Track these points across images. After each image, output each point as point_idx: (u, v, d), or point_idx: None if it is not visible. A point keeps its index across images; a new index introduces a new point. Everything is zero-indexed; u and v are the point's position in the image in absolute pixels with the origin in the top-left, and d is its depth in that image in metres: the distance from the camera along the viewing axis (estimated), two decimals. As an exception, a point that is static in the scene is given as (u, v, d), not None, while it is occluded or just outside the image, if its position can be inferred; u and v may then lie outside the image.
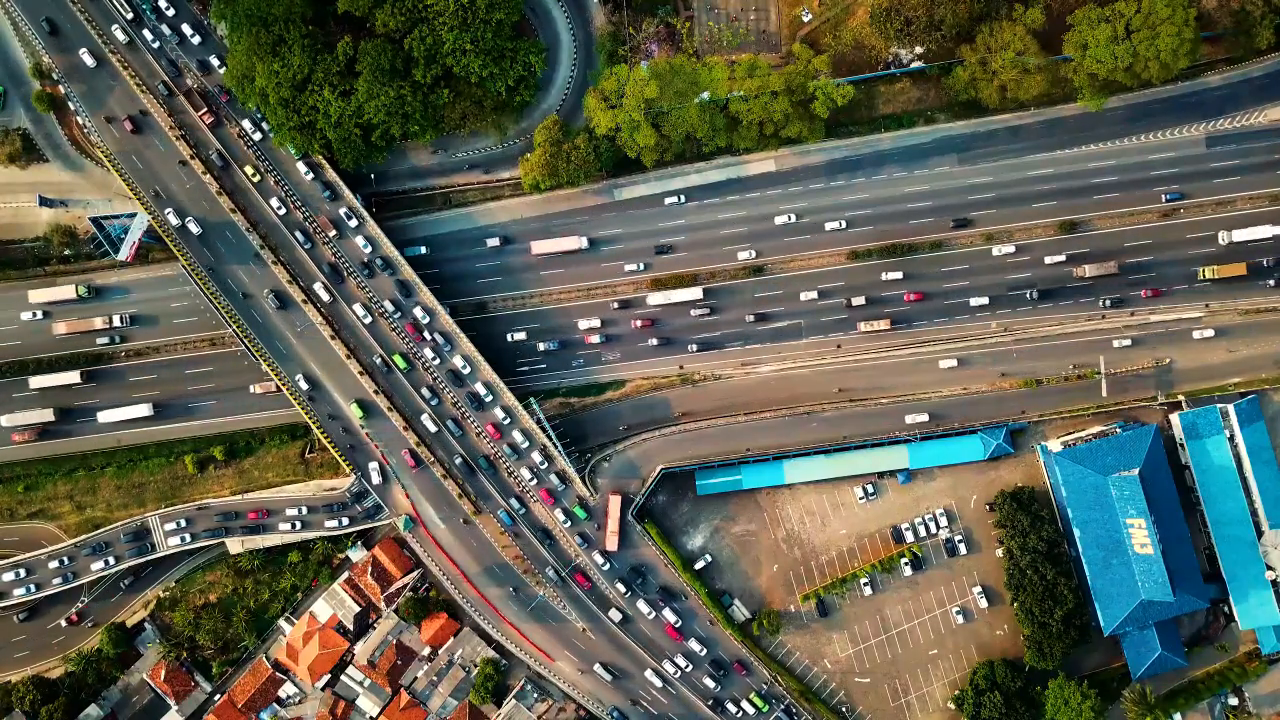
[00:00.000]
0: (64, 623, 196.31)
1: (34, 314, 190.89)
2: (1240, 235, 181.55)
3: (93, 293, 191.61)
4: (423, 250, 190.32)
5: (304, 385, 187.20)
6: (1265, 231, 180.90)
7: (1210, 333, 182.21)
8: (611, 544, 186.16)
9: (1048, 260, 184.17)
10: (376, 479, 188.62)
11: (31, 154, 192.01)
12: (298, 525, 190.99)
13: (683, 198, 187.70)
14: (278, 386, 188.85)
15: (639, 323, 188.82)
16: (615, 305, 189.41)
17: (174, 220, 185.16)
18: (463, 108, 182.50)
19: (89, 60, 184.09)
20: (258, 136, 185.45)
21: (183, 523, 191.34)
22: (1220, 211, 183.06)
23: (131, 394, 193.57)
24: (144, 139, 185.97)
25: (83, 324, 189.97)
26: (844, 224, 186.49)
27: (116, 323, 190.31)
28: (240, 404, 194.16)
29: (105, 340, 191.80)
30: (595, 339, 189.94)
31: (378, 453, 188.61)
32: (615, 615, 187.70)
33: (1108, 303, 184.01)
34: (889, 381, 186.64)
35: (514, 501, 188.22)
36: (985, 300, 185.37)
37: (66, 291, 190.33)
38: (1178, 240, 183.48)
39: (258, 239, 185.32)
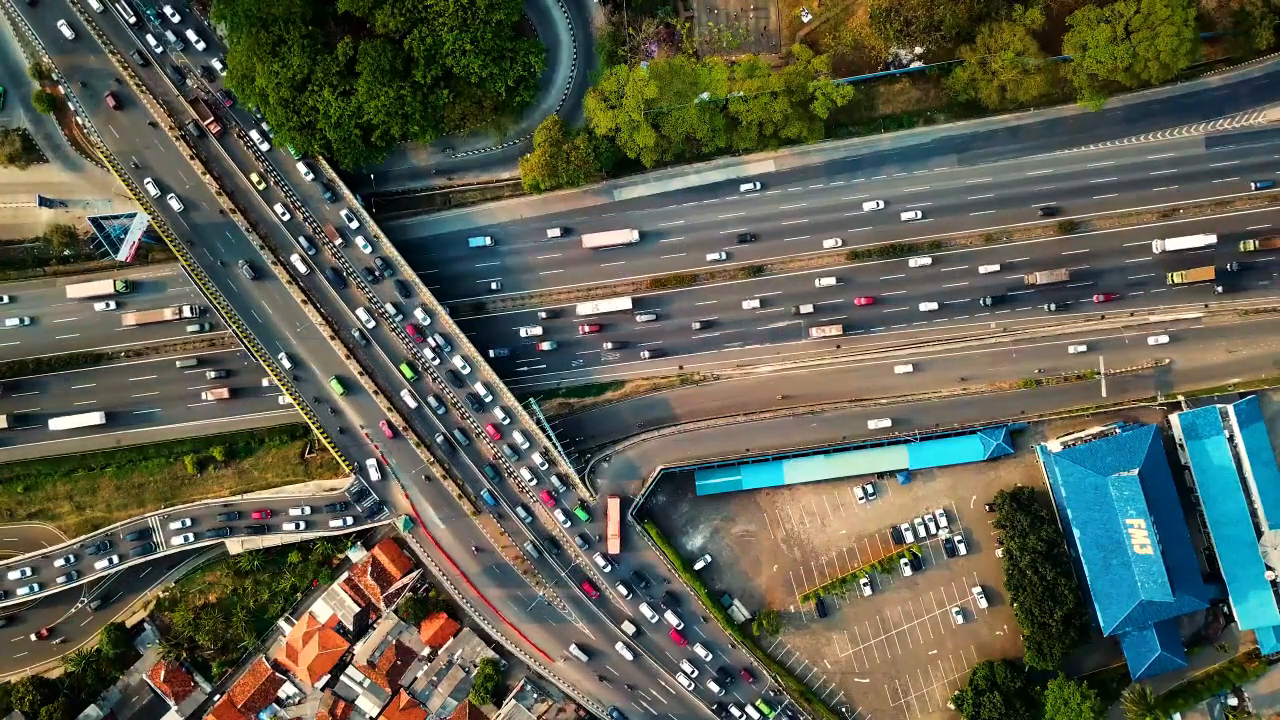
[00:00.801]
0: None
1: (107, 305, 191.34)
2: (1173, 244, 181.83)
3: (129, 287, 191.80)
4: (487, 241, 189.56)
5: (287, 364, 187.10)
6: (1198, 240, 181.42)
7: (1165, 339, 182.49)
8: (614, 547, 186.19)
9: (982, 270, 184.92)
10: (375, 475, 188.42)
11: (31, 154, 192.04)
12: (302, 525, 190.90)
13: (759, 184, 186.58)
14: (279, 385, 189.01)
15: (586, 328, 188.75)
16: (543, 314, 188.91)
17: (176, 206, 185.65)
18: (463, 108, 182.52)
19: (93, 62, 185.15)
20: (265, 147, 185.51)
21: (188, 521, 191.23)
22: (1220, 212, 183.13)
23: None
24: (135, 119, 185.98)
25: (153, 315, 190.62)
26: (919, 214, 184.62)
27: (186, 313, 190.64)
28: (240, 404, 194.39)
29: (195, 329, 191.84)
30: (546, 346, 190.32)
31: (377, 452, 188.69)
32: (629, 629, 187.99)
33: (1052, 307, 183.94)
34: (873, 384, 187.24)
35: (521, 511, 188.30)
36: (935, 306, 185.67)
37: (104, 286, 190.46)
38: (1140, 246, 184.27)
39: (257, 239, 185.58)
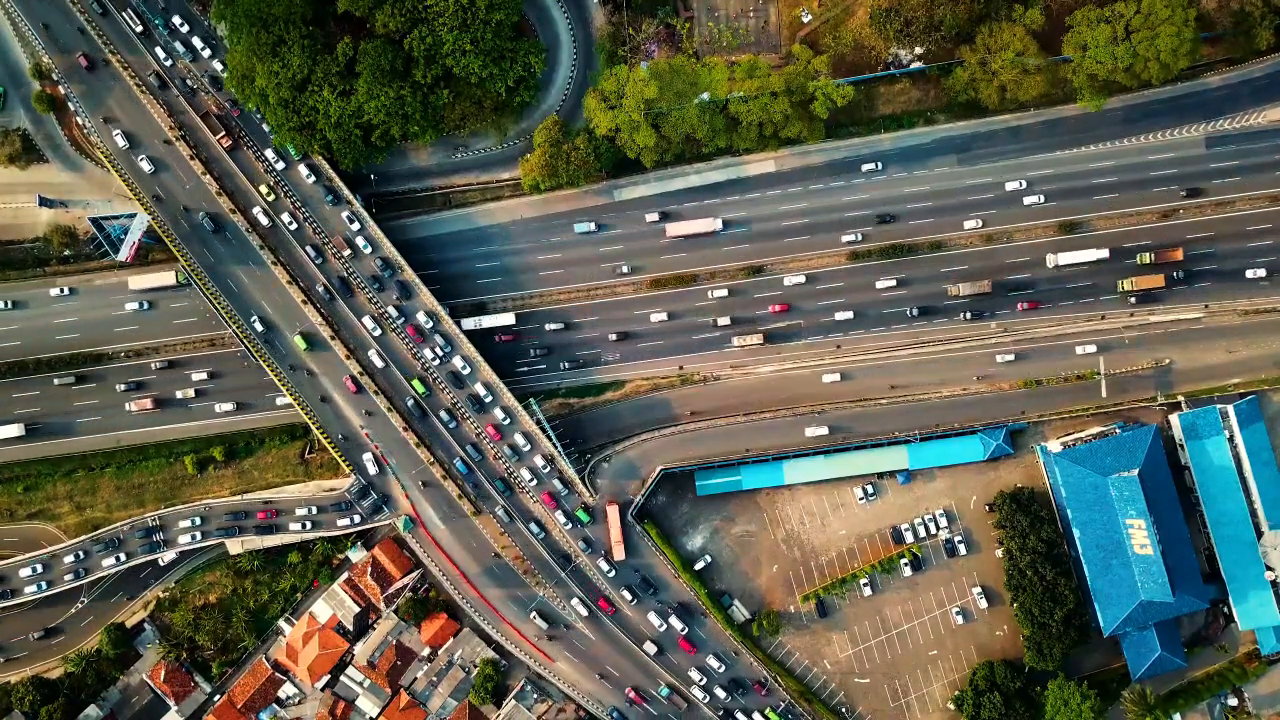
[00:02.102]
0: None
1: (140, 304, 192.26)
2: (1065, 259, 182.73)
3: (186, 282, 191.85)
4: (592, 226, 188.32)
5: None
6: (1090, 255, 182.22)
7: (1092, 348, 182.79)
8: (619, 554, 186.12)
9: (878, 285, 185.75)
10: (373, 469, 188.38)
11: (31, 154, 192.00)
12: (309, 526, 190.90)
13: (879, 164, 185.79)
14: (280, 386, 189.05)
15: (505, 337, 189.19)
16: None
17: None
18: (463, 108, 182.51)
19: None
20: (280, 165, 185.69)
21: (197, 520, 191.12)
22: (1220, 212, 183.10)
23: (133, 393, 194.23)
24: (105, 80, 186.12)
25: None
26: (1042, 196, 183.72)
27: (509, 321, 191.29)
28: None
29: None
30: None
31: (377, 451, 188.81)
32: (651, 649, 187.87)
33: (968, 315, 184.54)
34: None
35: (534, 526, 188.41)
36: (850, 315, 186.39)
37: (167, 278, 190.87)
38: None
39: (257, 239, 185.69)
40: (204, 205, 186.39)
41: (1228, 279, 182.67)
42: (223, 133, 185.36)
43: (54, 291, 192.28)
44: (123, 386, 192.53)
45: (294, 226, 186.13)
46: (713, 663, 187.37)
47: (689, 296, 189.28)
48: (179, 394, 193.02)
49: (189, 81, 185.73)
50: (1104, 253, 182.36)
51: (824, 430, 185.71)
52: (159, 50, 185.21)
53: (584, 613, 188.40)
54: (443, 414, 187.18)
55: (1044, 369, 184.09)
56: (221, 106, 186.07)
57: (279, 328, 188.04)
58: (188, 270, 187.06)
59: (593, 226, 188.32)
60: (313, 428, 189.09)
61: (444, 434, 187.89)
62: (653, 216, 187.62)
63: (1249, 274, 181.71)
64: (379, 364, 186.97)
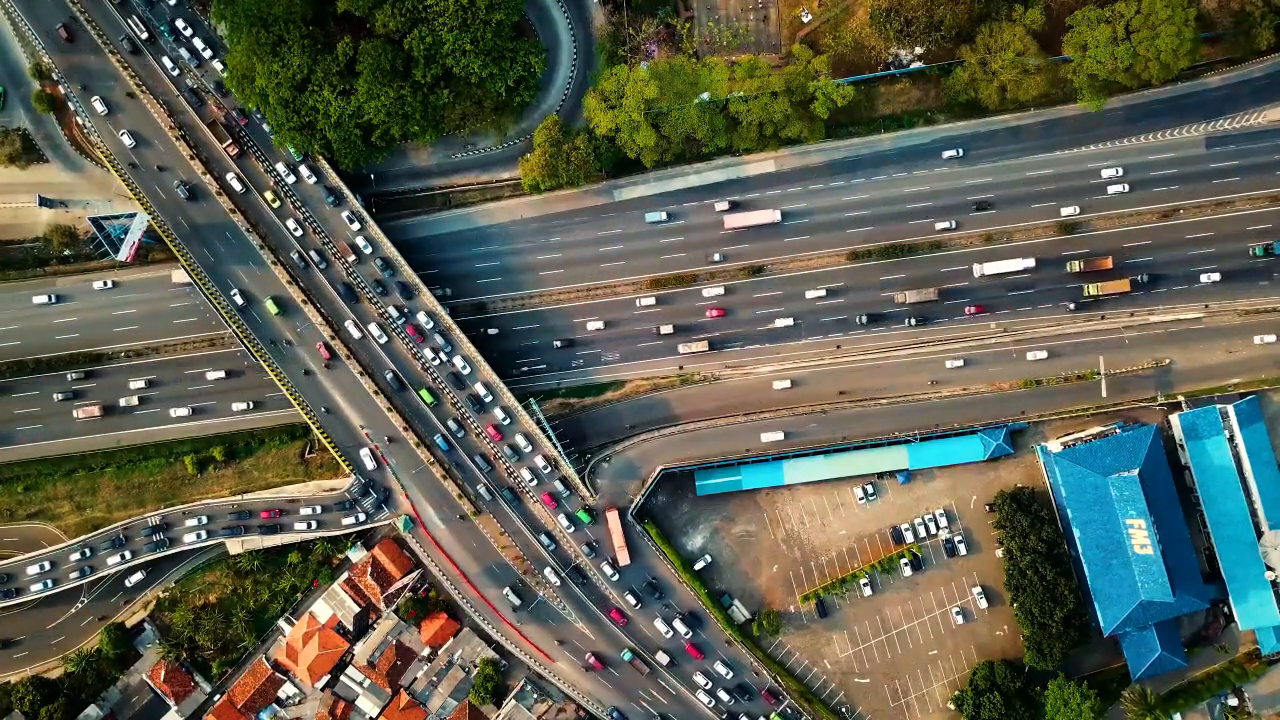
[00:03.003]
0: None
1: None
2: (991, 268, 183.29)
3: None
4: (664, 215, 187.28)
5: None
6: (1016, 264, 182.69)
7: (1043, 354, 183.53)
8: (623, 559, 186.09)
9: (807, 295, 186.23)
10: (370, 464, 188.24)
11: (31, 154, 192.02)
12: (314, 525, 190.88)
13: (961, 150, 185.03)
14: (280, 386, 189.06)
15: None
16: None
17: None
18: (463, 108, 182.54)
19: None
20: (291, 179, 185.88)
21: (205, 519, 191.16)
22: (1220, 212, 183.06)
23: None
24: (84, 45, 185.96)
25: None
26: (1125, 185, 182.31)
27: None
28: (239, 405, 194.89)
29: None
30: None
31: (377, 451, 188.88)
32: (663, 659, 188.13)
33: (913, 322, 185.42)
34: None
35: (544, 538, 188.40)
36: (790, 322, 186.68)
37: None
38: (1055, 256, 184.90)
39: (257, 238, 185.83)
40: (206, 202, 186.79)
41: (1180, 283, 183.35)
42: (229, 141, 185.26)
43: (97, 285, 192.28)
44: (60, 396, 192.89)
45: (300, 233, 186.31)
46: (720, 669, 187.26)
47: (745, 290, 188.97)
48: (122, 401, 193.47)
49: (193, 85, 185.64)
50: (1029, 262, 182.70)
51: (779, 435, 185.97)
52: (166, 60, 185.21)
53: (555, 581, 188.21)
54: (450, 424, 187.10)
55: (990, 374, 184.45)
56: (230, 116, 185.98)
57: (288, 341, 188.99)
58: (188, 270, 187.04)
59: (664, 216, 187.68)
60: (312, 427, 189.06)
61: (453, 444, 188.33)
62: (722, 205, 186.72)
63: (1204, 278, 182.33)
64: (389, 378, 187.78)
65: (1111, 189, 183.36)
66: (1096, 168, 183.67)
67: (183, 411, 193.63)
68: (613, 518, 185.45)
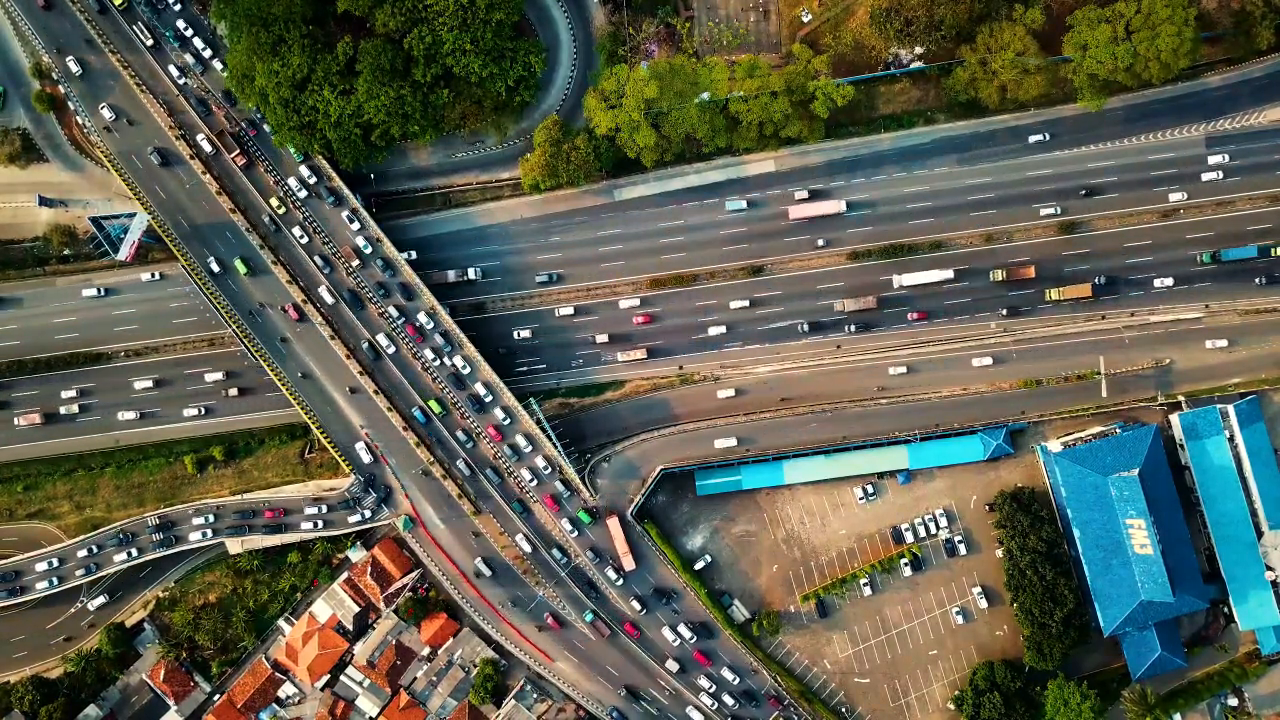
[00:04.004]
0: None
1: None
2: (909, 280, 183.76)
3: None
4: (744, 204, 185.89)
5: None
6: (934, 276, 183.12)
7: (989, 360, 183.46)
8: (628, 564, 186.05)
9: (732, 305, 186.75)
10: (366, 458, 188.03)
11: (31, 154, 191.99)
12: (320, 525, 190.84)
13: (1047, 134, 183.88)
14: (279, 385, 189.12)
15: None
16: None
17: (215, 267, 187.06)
18: (462, 108, 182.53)
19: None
20: (303, 194, 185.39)
21: (211, 518, 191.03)
22: (1220, 212, 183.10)
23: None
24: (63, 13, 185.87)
25: (437, 276, 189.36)
26: (1224, 170, 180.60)
27: (471, 275, 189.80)
28: (240, 404, 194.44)
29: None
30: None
31: (378, 449, 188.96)
32: (673, 666, 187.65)
33: (852, 329, 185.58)
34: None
35: (556, 552, 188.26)
36: (723, 330, 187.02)
37: None
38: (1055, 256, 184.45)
39: (257, 238, 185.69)
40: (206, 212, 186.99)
41: (1138, 287, 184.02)
42: (237, 150, 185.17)
43: (145, 277, 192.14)
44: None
45: (305, 240, 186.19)
46: (727, 675, 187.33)
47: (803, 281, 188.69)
48: (62, 410, 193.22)
49: (195, 89, 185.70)
50: (948, 274, 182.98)
51: (732, 441, 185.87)
52: (172, 68, 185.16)
53: (527, 548, 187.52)
54: (459, 434, 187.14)
55: (931, 380, 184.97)
56: (237, 124, 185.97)
57: (290, 343, 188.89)
58: (188, 270, 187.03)
59: (744, 204, 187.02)
60: (312, 427, 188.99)
61: (461, 454, 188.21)
62: (802, 194, 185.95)
63: (1158, 283, 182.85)
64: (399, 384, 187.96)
65: (1206, 176, 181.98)
66: (1198, 155, 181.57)
67: (191, 411, 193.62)
68: (613, 524, 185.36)
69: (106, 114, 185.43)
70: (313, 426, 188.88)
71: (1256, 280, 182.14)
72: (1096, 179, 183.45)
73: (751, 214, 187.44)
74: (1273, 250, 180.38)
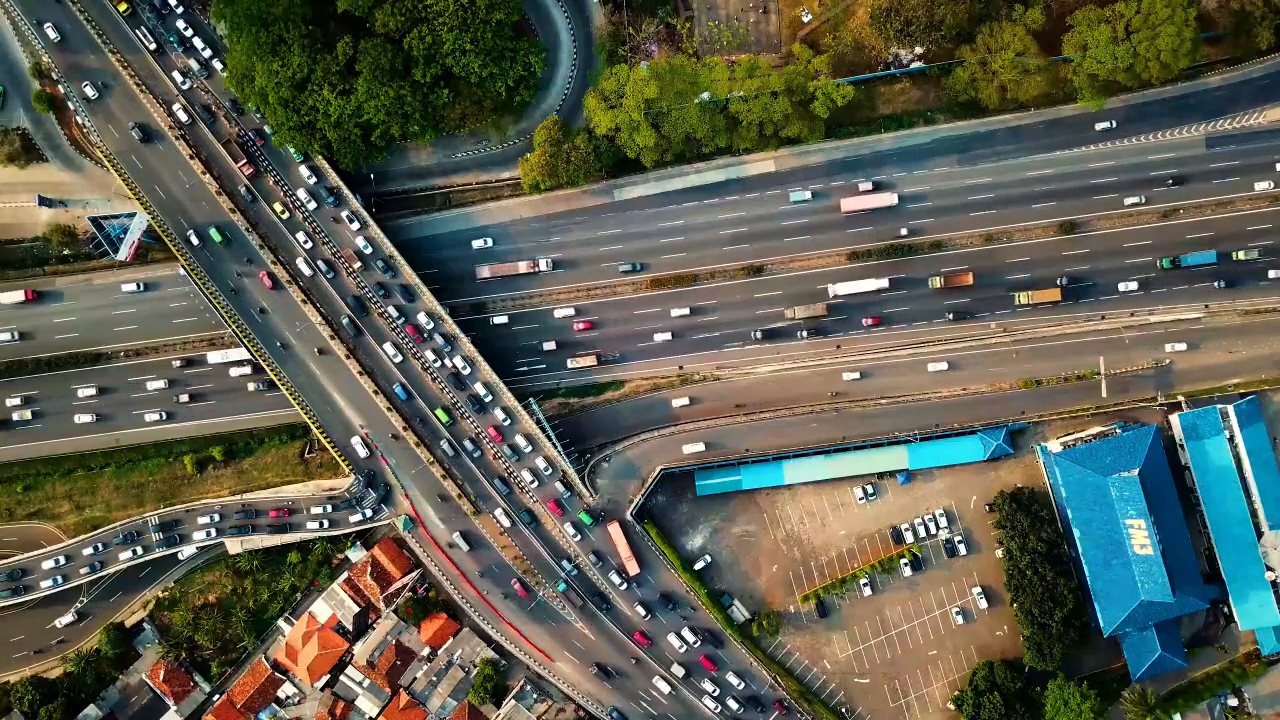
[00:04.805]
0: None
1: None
2: (843, 289, 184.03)
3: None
4: (808, 195, 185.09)
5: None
6: (869, 285, 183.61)
7: (944, 365, 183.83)
8: (632, 568, 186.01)
9: (673, 313, 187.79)
10: (363, 452, 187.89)
11: (31, 154, 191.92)
12: (325, 524, 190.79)
13: (1113, 122, 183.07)
14: (277, 384, 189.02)
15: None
16: (176, 364, 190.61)
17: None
18: (462, 108, 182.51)
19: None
20: (313, 205, 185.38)
21: (216, 517, 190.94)
22: (1220, 212, 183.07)
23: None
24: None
25: (507, 268, 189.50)
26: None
27: (543, 266, 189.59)
28: (238, 404, 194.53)
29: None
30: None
31: (377, 449, 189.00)
32: (679, 671, 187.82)
33: (805, 334, 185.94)
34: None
35: (566, 564, 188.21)
36: (669, 337, 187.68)
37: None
38: (1000, 264, 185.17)
39: (257, 238, 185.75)
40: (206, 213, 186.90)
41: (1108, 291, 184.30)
42: (244, 160, 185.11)
43: (181, 271, 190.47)
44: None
45: (309, 245, 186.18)
46: (732, 679, 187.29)
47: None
48: (15, 416, 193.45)
49: (199, 94, 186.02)
50: (883, 283, 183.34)
51: (700, 446, 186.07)
52: (176, 74, 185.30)
53: (506, 524, 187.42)
54: (467, 443, 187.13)
55: (895, 383, 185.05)
56: (244, 133, 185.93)
57: (293, 345, 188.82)
58: (188, 270, 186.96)
59: (809, 195, 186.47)
60: (312, 427, 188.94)
61: (469, 465, 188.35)
62: (866, 186, 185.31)
63: (1121, 287, 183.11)
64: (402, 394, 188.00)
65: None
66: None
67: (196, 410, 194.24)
68: (615, 530, 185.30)
69: (133, 132, 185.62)
70: (313, 427, 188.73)
71: (1215, 284, 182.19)
72: (1174, 169, 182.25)
73: (823, 204, 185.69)
74: (1234, 255, 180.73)
